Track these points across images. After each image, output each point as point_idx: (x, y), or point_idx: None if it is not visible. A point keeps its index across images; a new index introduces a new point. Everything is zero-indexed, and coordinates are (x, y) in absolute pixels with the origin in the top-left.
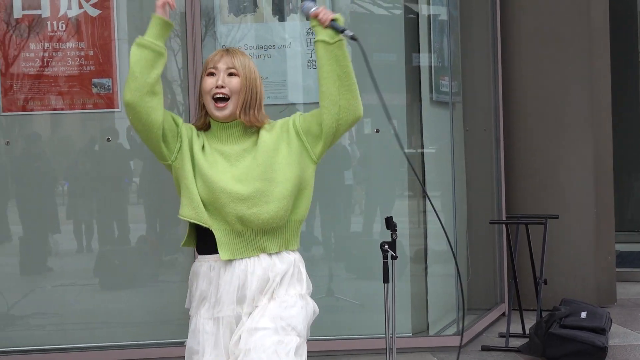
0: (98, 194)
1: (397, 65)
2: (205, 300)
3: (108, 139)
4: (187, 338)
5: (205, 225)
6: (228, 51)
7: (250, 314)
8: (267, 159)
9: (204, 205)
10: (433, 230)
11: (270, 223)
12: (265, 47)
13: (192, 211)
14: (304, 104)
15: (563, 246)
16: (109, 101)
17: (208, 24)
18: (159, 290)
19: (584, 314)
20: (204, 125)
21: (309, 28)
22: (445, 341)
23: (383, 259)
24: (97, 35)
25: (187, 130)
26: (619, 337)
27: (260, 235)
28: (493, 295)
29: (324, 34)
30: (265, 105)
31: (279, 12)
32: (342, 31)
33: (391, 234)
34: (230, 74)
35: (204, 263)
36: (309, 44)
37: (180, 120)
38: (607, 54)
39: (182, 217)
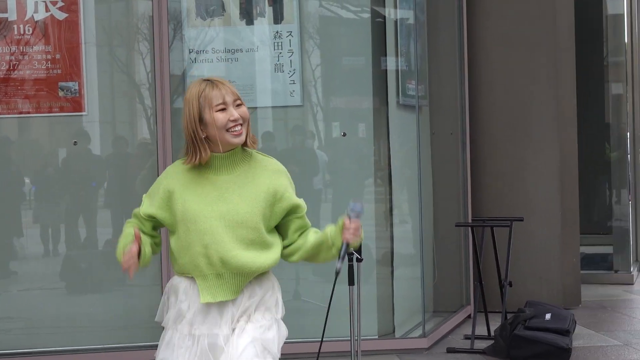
0: (65, 198)
1: (364, 69)
2: (182, 316)
3: (75, 143)
4: (155, 342)
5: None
6: (222, 83)
7: (228, 335)
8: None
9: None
10: (400, 233)
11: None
12: (233, 50)
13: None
14: (272, 107)
15: (528, 248)
16: (76, 105)
17: (176, 28)
18: (126, 295)
19: (548, 316)
20: (201, 160)
21: (277, 32)
22: (411, 343)
23: (348, 261)
24: (64, 39)
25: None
26: (583, 338)
27: (239, 277)
28: (459, 297)
29: (336, 237)
30: None
31: (247, 15)
32: (341, 258)
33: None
34: (238, 105)
35: (184, 280)
36: (276, 47)
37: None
38: (573, 58)
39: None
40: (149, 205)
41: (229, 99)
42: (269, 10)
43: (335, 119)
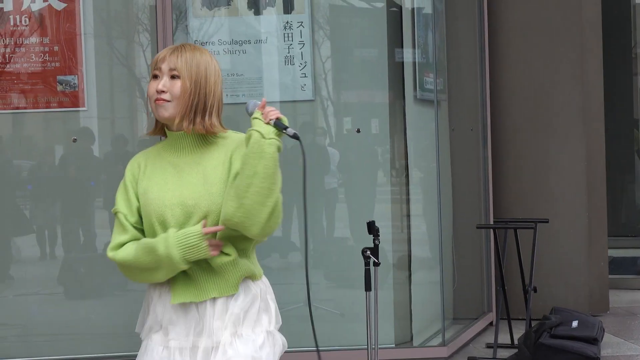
0: (63, 198)
1: (379, 61)
2: (158, 324)
3: (74, 140)
4: None
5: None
6: (175, 49)
7: (210, 348)
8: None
9: None
10: (417, 235)
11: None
12: (240, 42)
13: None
14: (280, 102)
15: (554, 252)
16: (75, 99)
17: (179, 18)
18: (127, 300)
19: (575, 323)
20: (160, 131)
21: (287, 22)
22: (430, 352)
23: (365, 265)
24: (62, 30)
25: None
26: (612, 347)
27: (209, 275)
28: (480, 303)
29: (262, 127)
30: (240, 104)
31: (255, 5)
32: (284, 129)
33: (373, 240)
34: (173, 77)
35: (157, 287)
36: (286, 39)
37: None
38: (600, 50)
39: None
40: (127, 208)
41: (164, 66)
42: (278, 0)
43: (348, 115)
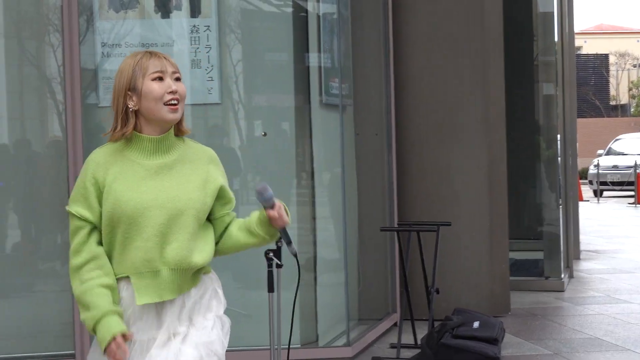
0: None
1: (286, 66)
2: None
3: None
4: (65, 351)
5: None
6: (163, 55)
7: (165, 342)
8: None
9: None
10: (323, 238)
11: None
12: (148, 45)
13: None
14: (189, 105)
15: (456, 254)
16: None
17: (89, 20)
18: (34, 301)
19: (476, 324)
20: (125, 133)
21: (194, 26)
22: (335, 352)
23: (267, 267)
24: None
25: (96, 175)
26: (512, 347)
27: (176, 276)
28: (384, 304)
29: (269, 229)
30: None
31: (163, 8)
32: (288, 243)
33: (276, 242)
34: (177, 79)
35: (120, 281)
36: (193, 42)
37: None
38: (501, 58)
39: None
40: (87, 210)
41: (168, 69)
42: (185, 3)
43: (257, 118)
